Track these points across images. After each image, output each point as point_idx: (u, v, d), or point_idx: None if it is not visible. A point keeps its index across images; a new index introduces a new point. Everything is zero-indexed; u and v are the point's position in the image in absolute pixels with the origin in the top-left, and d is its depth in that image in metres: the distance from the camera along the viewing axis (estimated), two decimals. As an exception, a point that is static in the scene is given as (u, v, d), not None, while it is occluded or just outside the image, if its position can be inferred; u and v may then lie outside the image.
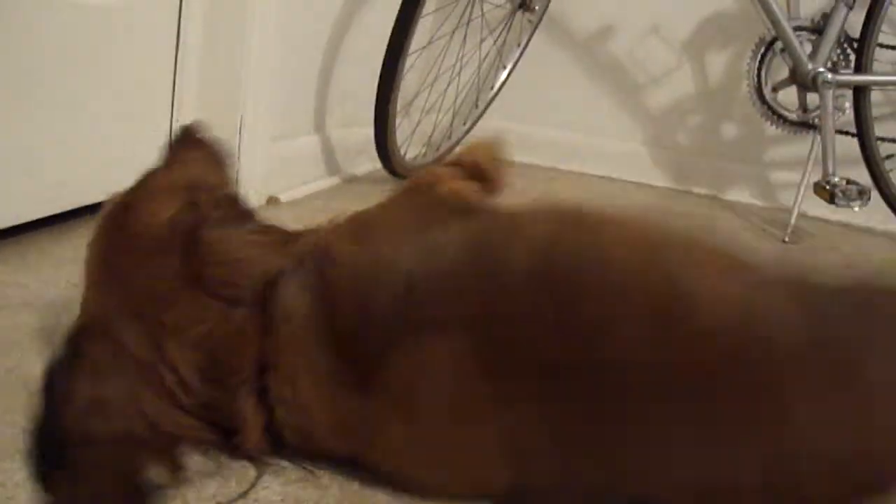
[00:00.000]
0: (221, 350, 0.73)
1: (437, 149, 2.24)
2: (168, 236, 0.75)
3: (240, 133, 1.62)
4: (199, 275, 0.73)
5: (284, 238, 0.80)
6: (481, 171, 0.90)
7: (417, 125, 2.19)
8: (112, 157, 1.46)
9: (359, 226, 0.78)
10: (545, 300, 0.66)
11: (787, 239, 2.06)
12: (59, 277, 1.18)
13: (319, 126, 2.00)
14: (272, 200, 1.72)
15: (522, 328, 0.65)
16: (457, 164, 0.92)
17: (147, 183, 0.85)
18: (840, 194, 2.05)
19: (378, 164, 2.00)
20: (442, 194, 0.83)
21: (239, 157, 1.62)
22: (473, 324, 0.66)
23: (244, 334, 0.72)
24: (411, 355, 0.67)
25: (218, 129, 1.57)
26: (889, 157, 2.16)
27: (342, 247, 0.74)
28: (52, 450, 0.68)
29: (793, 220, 2.08)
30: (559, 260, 0.68)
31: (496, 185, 0.90)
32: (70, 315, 1.05)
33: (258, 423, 0.73)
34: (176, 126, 1.59)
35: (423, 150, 2.21)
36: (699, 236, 0.72)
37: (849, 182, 2.07)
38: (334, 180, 2.02)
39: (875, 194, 2.09)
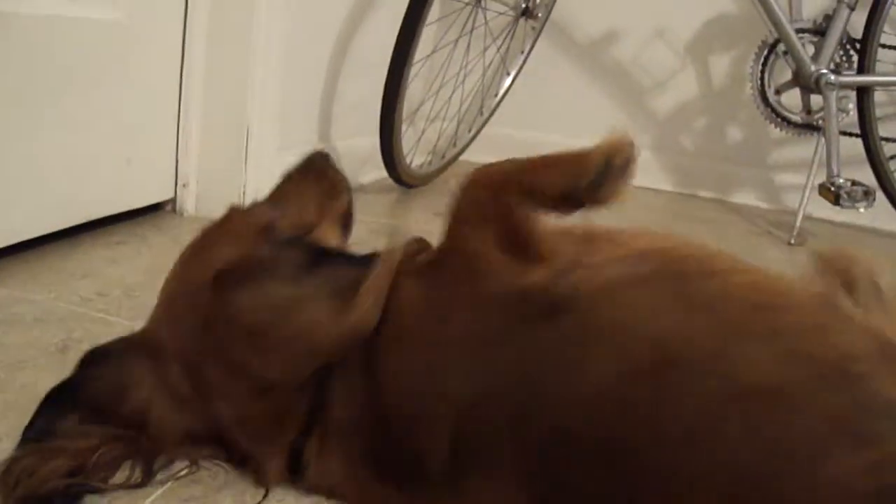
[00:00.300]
0: (259, 422, 0.73)
1: (443, 156, 2.24)
2: (209, 296, 0.75)
3: (246, 144, 1.63)
4: (226, 348, 0.73)
5: (341, 297, 0.72)
6: (520, 235, 0.71)
7: (423, 133, 2.19)
8: (119, 171, 1.47)
9: (401, 329, 0.70)
10: (601, 466, 0.59)
11: (792, 241, 2.06)
12: (70, 292, 1.18)
13: (325, 136, 2.00)
14: (279, 211, 1.73)
15: (578, 484, 0.60)
16: (498, 220, 0.71)
17: (227, 222, 0.84)
18: (845, 196, 2.05)
19: (384, 173, 2.00)
20: (487, 285, 0.69)
21: (245, 169, 1.63)
22: (524, 469, 0.62)
23: (282, 418, 0.72)
24: (454, 496, 0.65)
25: (224, 141, 1.61)
26: (894, 157, 2.16)
27: (386, 354, 0.70)
28: (55, 407, 0.73)
29: (798, 223, 2.08)
30: (621, 416, 0.59)
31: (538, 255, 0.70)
32: (81, 330, 1.06)
33: (279, 474, 0.74)
34: (182, 139, 1.60)
35: (429, 158, 2.21)
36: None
37: (854, 183, 2.07)
38: (340, 190, 2.02)
39: (880, 195, 2.10)
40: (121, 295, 1.20)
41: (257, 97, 1.63)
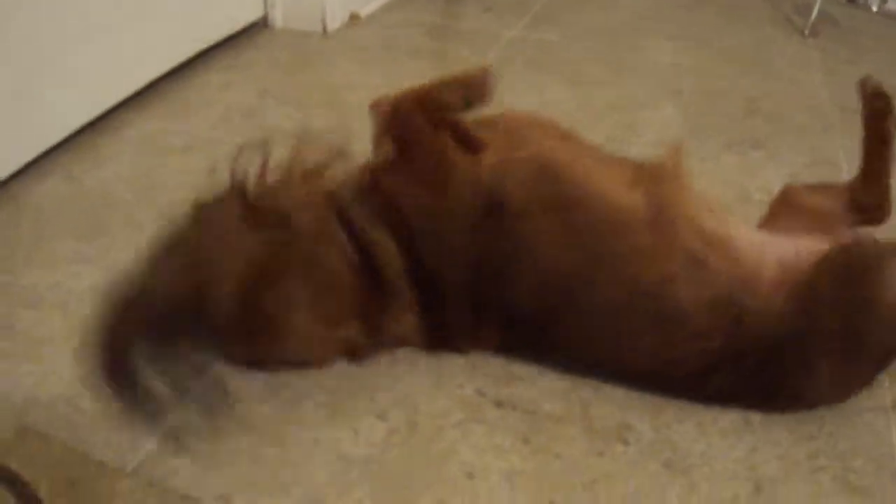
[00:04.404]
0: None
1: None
2: None
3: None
4: None
5: None
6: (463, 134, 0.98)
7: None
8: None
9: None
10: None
11: (807, 32, 2.26)
12: (201, 121, 1.55)
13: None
14: (354, 17, 2.02)
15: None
16: (443, 126, 0.97)
17: None
18: (861, -9, 2.23)
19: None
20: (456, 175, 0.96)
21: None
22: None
23: None
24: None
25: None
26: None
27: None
28: None
29: (814, 16, 2.26)
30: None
31: None
32: (219, 155, 1.45)
33: None
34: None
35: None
36: None
37: (872, -23, 2.24)
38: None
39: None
40: (240, 121, 1.57)
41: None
